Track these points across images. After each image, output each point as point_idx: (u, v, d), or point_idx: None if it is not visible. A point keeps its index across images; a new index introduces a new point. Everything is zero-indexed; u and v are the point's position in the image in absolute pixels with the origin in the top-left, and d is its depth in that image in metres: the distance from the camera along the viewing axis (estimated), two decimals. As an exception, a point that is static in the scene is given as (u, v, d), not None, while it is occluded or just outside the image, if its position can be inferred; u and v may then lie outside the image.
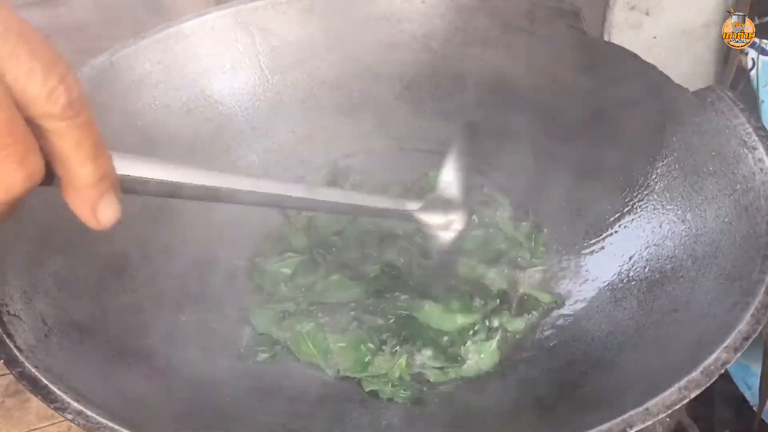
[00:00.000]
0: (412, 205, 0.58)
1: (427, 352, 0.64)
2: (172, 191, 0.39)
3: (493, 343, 0.64)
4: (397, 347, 0.64)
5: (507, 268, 0.71)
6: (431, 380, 0.62)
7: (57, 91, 0.30)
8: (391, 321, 0.66)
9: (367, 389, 0.61)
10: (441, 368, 0.63)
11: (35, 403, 0.96)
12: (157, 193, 0.39)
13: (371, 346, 0.64)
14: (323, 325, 0.66)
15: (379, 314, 0.67)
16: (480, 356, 0.63)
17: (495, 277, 0.71)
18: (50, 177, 0.32)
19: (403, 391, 0.61)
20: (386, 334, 0.65)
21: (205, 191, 0.41)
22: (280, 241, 0.76)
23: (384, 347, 0.65)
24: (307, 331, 0.65)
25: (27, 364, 0.47)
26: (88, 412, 0.44)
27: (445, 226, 0.60)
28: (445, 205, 0.61)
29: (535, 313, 0.67)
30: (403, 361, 0.62)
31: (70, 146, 0.32)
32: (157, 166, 0.39)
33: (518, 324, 0.66)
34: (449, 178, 0.63)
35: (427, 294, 0.67)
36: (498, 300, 0.68)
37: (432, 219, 0.59)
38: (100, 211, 0.34)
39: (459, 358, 0.63)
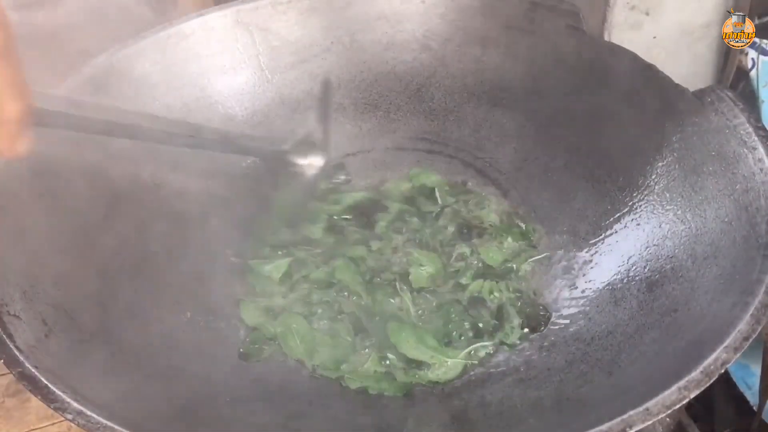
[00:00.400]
0: (283, 147, 0.70)
1: (392, 356, 0.64)
2: (78, 125, 0.49)
3: (459, 363, 0.63)
4: (367, 346, 0.65)
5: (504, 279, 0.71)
6: (397, 380, 0.62)
7: None
8: (372, 321, 0.67)
9: (353, 387, 0.62)
10: (404, 370, 0.63)
11: (35, 403, 0.96)
12: (68, 126, 0.48)
13: (348, 339, 0.65)
14: (311, 319, 0.67)
15: (363, 311, 0.68)
16: (443, 370, 0.63)
17: (494, 290, 0.70)
18: None
19: (387, 385, 0.61)
20: (361, 334, 0.66)
21: (104, 126, 0.52)
22: (263, 240, 0.76)
23: (357, 343, 0.65)
24: (296, 327, 0.66)
25: (27, 364, 0.47)
26: (88, 412, 0.44)
27: (309, 165, 0.72)
28: (309, 147, 0.72)
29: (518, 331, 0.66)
30: (374, 358, 0.63)
31: (3, 84, 0.35)
32: (67, 102, 0.47)
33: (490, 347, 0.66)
34: (313, 121, 0.75)
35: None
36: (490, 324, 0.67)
37: (299, 159, 0.71)
38: (19, 142, 0.39)
39: (423, 366, 0.64)
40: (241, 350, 0.65)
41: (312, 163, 0.72)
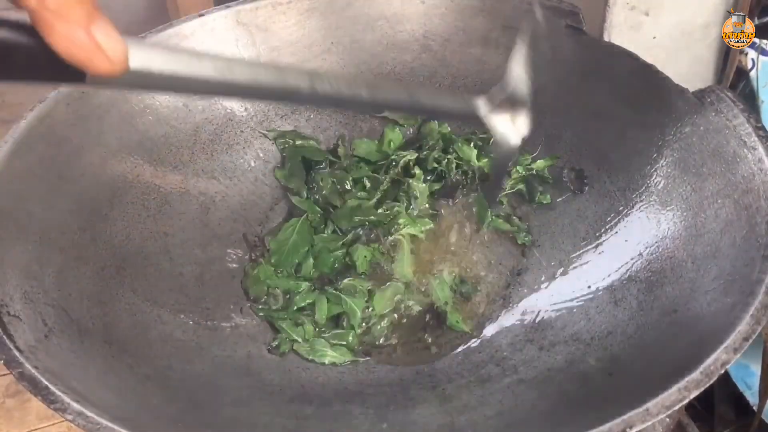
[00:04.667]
0: (477, 105, 0.50)
1: None
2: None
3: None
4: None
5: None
6: None
7: None
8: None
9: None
10: None
11: (35, 403, 0.96)
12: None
13: None
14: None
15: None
16: None
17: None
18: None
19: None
20: None
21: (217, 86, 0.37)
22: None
23: None
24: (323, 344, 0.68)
25: (27, 365, 0.47)
26: (88, 413, 0.44)
27: (511, 130, 0.51)
28: (512, 103, 0.51)
29: None
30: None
31: None
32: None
33: None
34: (518, 71, 0.52)
35: None
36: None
37: (499, 121, 0.50)
38: (99, 38, 0.29)
39: None
40: (272, 344, 0.67)
41: (516, 126, 0.52)
